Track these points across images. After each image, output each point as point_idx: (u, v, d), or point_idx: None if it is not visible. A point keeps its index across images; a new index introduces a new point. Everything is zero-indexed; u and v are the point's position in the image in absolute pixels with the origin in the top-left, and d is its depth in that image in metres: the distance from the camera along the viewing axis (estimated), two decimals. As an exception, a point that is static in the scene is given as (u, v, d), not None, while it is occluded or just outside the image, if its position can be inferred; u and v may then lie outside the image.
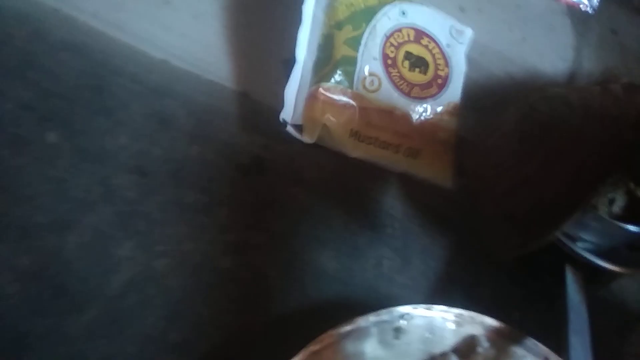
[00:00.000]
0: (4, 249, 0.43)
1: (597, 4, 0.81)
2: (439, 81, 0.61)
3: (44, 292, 0.43)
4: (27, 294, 0.42)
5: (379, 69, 0.59)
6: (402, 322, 0.46)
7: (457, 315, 0.48)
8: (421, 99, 0.60)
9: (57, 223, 0.46)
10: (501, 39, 0.74)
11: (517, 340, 0.48)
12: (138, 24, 0.59)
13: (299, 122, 0.56)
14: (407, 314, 0.47)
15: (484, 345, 0.47)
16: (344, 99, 0.56)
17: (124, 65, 0.57)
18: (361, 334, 0.45)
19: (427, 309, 0.47)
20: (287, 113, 0.56)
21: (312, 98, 0.56)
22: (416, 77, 0.60)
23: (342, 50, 0.58)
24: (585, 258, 0.51)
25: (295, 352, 0.42)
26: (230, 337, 0.46)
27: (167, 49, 0.58)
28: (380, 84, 0.58)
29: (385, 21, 0.60)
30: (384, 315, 0.46)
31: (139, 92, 0.56)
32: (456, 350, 0.47)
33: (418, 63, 0.61)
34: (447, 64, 0.62)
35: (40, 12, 0.56)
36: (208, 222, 0.51)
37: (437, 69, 0.62)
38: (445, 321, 0.48)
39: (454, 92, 0.62)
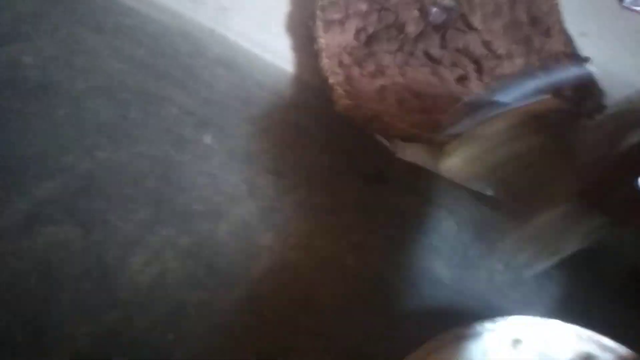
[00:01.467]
0: (169, 230, 0.51)
1: None
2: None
3: (199, 269, 0.49)
4: (185, 270, 0.49)
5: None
6: (520, 333, 0.48)
7: (574, 332, 0.49)
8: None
9: (212, 212, 0.53)
10: (622, 64, 0.74)
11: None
12: (278, 43, 0.67)
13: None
14: (525, 325, 0.48)
15: (601, 365, 0.47)
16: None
17: (266, 80, 0.64)
18: (479, 339, 0.47)
19: (545, 323, 0.48)
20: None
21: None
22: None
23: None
24: None
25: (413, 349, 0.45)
26: (355, 329, 0.50)
27: (302, 66, 0.65)
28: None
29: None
30: (502, 323, 0.47)
31: (278, 104, 0.63)
32: (572, 366, 0.48)
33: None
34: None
35: (199, 32, 0.65)
36: (335, 223, 0.56)
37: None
38: (562, 337, 0.49)
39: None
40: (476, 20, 0.70)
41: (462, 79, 0.66)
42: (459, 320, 0.49)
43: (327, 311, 0.51)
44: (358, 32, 0.67)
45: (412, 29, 0.68)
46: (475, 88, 0.64)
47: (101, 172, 0.52)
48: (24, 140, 0.52)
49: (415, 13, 0.68)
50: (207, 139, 0.58)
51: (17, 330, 0.42)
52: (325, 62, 0.63)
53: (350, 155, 0.61)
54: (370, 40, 0.67)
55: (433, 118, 0.59)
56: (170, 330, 0.46)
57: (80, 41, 0.60)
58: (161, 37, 0.63)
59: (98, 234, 0.48)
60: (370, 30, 0.67)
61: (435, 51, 0.67)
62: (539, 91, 0.56)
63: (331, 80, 0.61)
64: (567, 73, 0.63)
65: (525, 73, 0.65)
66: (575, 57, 0.67)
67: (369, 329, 0.50)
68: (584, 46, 0.69)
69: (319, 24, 0.64)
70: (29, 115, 0.53)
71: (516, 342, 0.47)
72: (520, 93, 0.55)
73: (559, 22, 0.70)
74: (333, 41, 0.66)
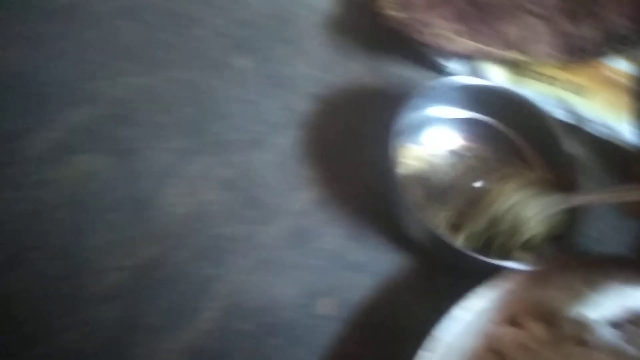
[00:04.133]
0: (205, 160, 0.47)
1: None
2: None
3: (237, 201, 0.46)
4: (226, 202, 0.45)
5: None
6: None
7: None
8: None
9: (250, 141, 0.49)
10: None
11: None
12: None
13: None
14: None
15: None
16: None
17: (306, -2, 0.58)
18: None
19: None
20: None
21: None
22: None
23: None
24: None
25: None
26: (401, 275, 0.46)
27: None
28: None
29: None
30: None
31: (318, 23, 0.57)
32: None
33: None
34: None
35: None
36: (378, 152, 0.50)
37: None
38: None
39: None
40: None
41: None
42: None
43: (377, 244, 0.46)
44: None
45: None
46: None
47: (131, 98, 0.48)
48: (50, 64, 0.48)
49: None
50: (242, 62, 0.53)
51: (51, 262, 0.40)
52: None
53: (400, 78, 0.55)
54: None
55: (496, 29, 0.51)
56: (208, 265, 0.42)
57: (103, -41, 0.55)
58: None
59: (130, 163, 0.45)
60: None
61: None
62: None
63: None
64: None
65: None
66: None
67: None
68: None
69: None
70: (54, 38, 0.49)
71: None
72: None
73: None
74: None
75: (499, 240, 0.44)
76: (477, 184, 0.47)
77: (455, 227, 0.45)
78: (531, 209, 0.44)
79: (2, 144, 0.44)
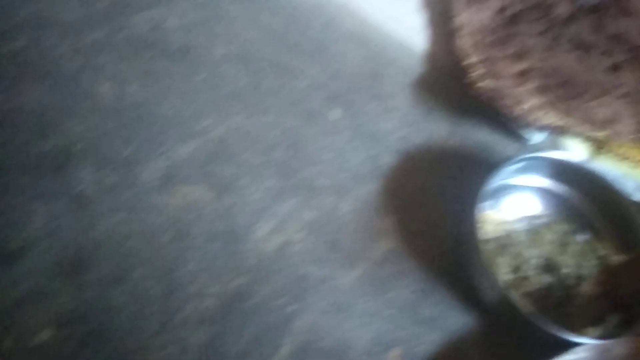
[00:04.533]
0: (295, 202, 0.50)
1: None
2: None
3: (321, 244, 0.49)
4: (308, 244, 0.49)
5: None
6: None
7: None
8: None
9: (336, 188, 0.52)
10: None
11: None
12: (412, 19, 0.64)
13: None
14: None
15: None
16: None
17: (397, 57, 0.62)
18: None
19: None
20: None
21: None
22: None
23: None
24: None
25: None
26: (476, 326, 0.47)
27: (435, 44, 0.62)
28: None
29: None
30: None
31: (408, 82, 0.60)
32: None
33: None
34: None
35: (333, 4, 0.64)
36: (455, 211, 0.52)
37: None
38: None
39: None
40: (635, 4, 0.62)
41: (614, 69, 0.60)
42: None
43: (448, 302, 0.48)
44: (500, 10, 0.62)
45: (561, 10, 0.62)
46: (629, 78, 0.57)
47: (234, 138, 0.53)
48: (165, 100, 0.53)
49: (566, -7, 0.62)
50: (336, 113, 0.57)
51: (152, 282, 0.44)
52: (464, 40, 0.59)
53: (481, 143, 0.57)
54: (514, 20, 0.62)
55: (582, 108, 0.53)
56: (291, 302, 0.46)
57: (219, 8, 0.61)
58: (296, 7, 0.62)
59: (228, 198, 0.49)
60: (514, 9, 0.62)
61: (586, 36, 0.61)
62: None
63: (469, 60, 0.57)
64: None
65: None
66: None
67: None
68: None
69: (460, -1, 0.61)
70: (171, 77, 0.55)
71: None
72: None
73: None
74: (473, 18, 0.62)
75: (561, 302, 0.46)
76: (551, 253, 0.48)
77: (527, 294, 0.47)
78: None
79: (120, 169, 0.49)
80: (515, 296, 0.46)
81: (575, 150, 0.55)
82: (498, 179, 0.49)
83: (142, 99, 0.53)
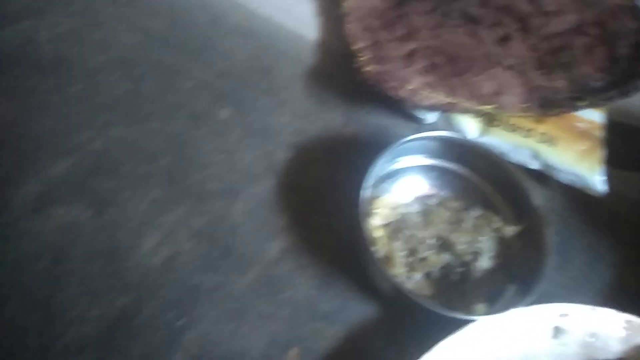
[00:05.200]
0: (183, 210, 0.48)
1: None
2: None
3: (213, 251, 0.47)
4: (199, 252, 0.47)
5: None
6: (562, 321, 0.43)
7: (626, 322, 0.43)
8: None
9: (227, 191, 0.50)
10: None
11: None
12: (299, 9, 0.62)
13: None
14: (567, 314, 0.43)
15: (658, 358, 0.42)
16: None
17: (287, 48, 0.60)
18: (515, 326, 0.42)
19: (591, 310, 0.43)
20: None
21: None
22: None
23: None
24: None
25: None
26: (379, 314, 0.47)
27: (325, 32, 0.60)
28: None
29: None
30: (542, 310, 0.43)
31: (300, 74, 0.59)
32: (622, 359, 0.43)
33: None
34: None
35: (217, 1, 0.62)
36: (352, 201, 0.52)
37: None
38: (612, 327, 0.43)
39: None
40: (521, -27, 0.63)
41: (503, 40, 0.60)
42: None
43: (347, 297, 0.47)
44: (388, -8, 0.61)
45: (448, -14, 0.62)
46: (518, 48, 0.58)
47: (114, 150, 0.50)
48: (38, 117, 0.51)
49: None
50: (224, 113, 0.55)
51: (28, 312, 0.42)
52: (351, 26, 0.58)
53: (377, 127, 0.56)
54: (401, 1, 0.62)
55: (469, 83, 0.53)
56: (181, 315, 0.44)
57: (95, 14, 0.58)
58: (178, 7, 0.60)
59: (109, 214, 0.47)
60: (402, -10, 0.62)
61: (474, 10, 0.61)
62: None
63: (357, 45, 0.56)
64: (626, 30, 0.56)
65: (577, 31, 0.58)
66: (637, 12, 0.58)
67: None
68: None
69: (345, -15, 0.60)
70: (43, 92, 0.52)
71: (558, 331, 0.43)
72: None
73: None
74: (360, 4, 0.61)
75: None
76: (445, 232, 0.48)
77: (428, 275, 0.47)
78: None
79: (-13, 196, 0.46)
80: (407, 283, 0.45)
81: (467, 127, 0.55)
82: (386, 162, 0.48)
83: (11, 118, 0.50)
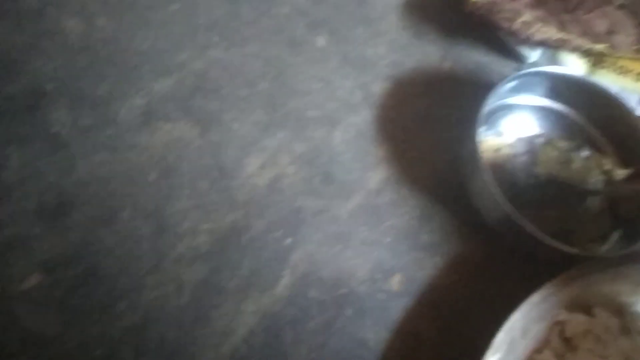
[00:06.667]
0: (284, 135, 0.48)
1: None
2: None
3: (315, 176, 0.47)
4: (302, 176, 0.47)
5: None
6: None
7: None
8: None
9: (326, 119, 0.50)
10: None
11: None
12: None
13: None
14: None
15: None
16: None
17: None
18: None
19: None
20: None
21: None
22: None
23: None
24: None
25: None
26: (472, 250, 0.47)
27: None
28: None
29: None
30: None
31: (396, 4, 0.57)
32: None
33: None
34: None
35: None
36: (452, 136, 0.51)
37: None
38: None
39: None
40: None
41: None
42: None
43: (446, 229, 0.47)
44: None
45: None
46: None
47: (214, 71, 0.50)
48: (137, 34, 0.50)
49: None
50: (320, 41, 0.54)
51: (141, 222, 0.42)
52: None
53: (476, 64, 0.55)
54: None
55: (580, 20, 0.51)
56: (287, 235, 0.44)
57: None
58: None
59: (214, 133, 0.47)
60: None
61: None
62: None
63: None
64: None
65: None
66: None
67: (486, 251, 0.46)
68: None
69: None
70: (141, 8, 0.51)
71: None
72: None
73: None
74: None
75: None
76: (555, 170, 0.47)
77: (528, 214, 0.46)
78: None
79: (95, 109, 0.46)
80: (517, 214, 0.45)
81: (573, 68, 0.53)
82: (494, 100, 0.47)
83: (113, 34, 0.50)
